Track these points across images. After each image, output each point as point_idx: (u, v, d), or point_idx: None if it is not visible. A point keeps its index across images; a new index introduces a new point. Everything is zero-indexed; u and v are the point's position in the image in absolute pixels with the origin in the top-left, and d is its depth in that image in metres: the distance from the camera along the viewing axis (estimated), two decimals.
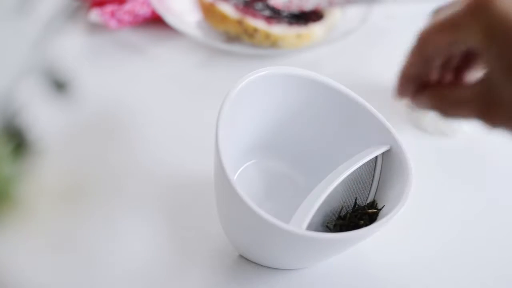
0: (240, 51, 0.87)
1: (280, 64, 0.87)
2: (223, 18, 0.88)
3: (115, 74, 0.85)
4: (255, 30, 0.87)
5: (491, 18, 0.49)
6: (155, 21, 0.92)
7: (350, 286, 0.65)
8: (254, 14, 0.88)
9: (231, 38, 0.89)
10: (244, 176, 0.70)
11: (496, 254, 0.69)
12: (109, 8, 0.90)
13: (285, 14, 0.90)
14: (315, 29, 0.89)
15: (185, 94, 0.83)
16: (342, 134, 0.69)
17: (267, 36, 0.87)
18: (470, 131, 0.79)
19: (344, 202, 0.67)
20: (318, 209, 0.63)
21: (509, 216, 0.72)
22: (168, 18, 0.88)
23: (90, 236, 0.67)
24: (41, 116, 0.53)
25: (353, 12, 0.92)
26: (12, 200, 0.53)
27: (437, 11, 0.53)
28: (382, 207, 0.65)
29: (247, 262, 0.66)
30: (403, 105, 0.82)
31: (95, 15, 0.90)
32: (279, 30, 0.88)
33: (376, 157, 0.67)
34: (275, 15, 0.89)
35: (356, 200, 0.67)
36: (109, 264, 0.65)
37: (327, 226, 0.66)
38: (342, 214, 0.66)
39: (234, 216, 0.63)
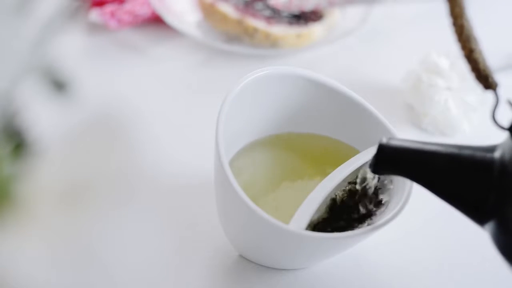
0: (240, 51, 0.87)
1: (280, 64, 0.87)
2: (223, 18, 0.88)
3: (115, 74, 0.85)
4: (255, 30, 0.87)
5: None
6: (155, 21, 0.92)
7: (350, 286, 0.65)
8: (254, 14, 0.88)
9: (231, 38, 0.89)
10: None
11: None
12: (109, 8, 0.90)
13: (285, 14, 0.90)
14: (315, 29, 0.89)
15: (185, 94, 0.83)
16: (342, 133, 0.69)
17: (267, 36, 0.87)
18: (469, 130, 0.79)
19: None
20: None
21: None
22: (168, 18, 0.88)
23: (90, 236, 0.67)
24: (41, 116, 0.53)
25: (353, 12, 0.92)
26: (12, 200, 0.53)
27: None
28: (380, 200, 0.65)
29: (247, 262, 0.66)
30: (403, 105, 0.82)
31: (95, 15, 0.90)
32: (279, 30, 0.87)
33: None
34: (275, 15, 0.89)
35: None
36: (109, 263, 0.65)
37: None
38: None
39: (234, 216, 0.63)
